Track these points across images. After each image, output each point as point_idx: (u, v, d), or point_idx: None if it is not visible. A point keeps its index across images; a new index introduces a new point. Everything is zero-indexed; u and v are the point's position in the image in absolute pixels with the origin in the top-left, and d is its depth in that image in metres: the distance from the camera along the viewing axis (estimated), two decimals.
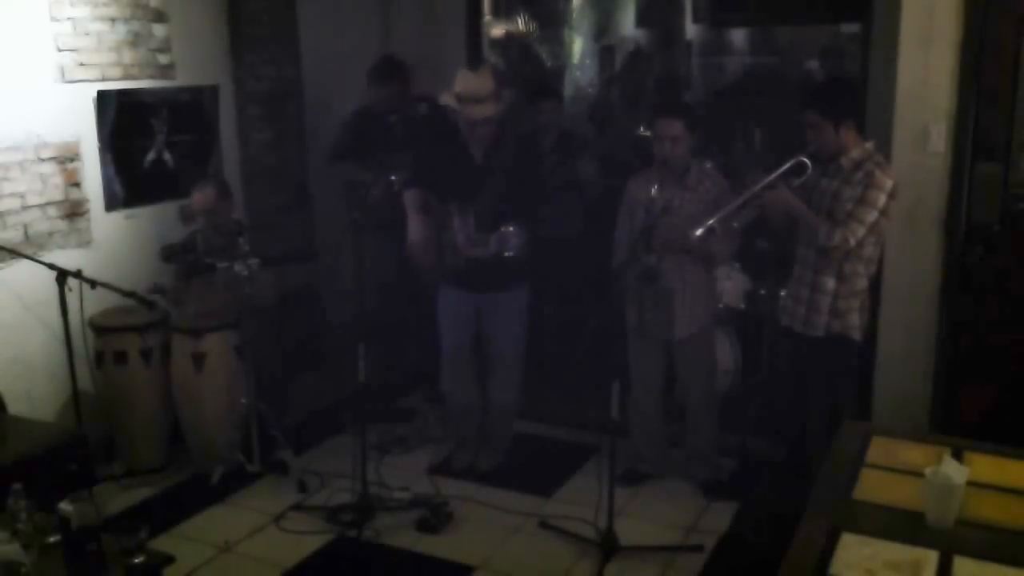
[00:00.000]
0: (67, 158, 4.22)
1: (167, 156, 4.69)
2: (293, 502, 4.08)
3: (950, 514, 2.26)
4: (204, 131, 4.89)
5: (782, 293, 3.97)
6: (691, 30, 8.00)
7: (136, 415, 4.29)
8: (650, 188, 3.76)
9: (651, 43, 7.93)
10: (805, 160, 3.52)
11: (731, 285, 4.78)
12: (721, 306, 4.59)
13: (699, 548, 3.69)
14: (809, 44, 7.02)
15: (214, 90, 4.90)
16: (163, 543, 3.50)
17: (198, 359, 4.22)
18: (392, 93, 4.76)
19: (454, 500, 4.05)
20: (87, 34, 4.23)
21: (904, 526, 2.27)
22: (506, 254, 3.98)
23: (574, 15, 7.93)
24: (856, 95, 4.09)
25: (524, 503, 4.08)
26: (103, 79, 4.33)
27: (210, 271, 4.11)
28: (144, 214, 4.60)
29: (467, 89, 3.94)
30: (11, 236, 4.00)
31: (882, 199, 3.41)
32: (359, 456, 3.92)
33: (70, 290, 3.88)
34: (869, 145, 3.54)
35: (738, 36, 8.00)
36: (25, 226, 4.06)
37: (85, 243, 4.33)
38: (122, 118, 4.43)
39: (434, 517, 3.89)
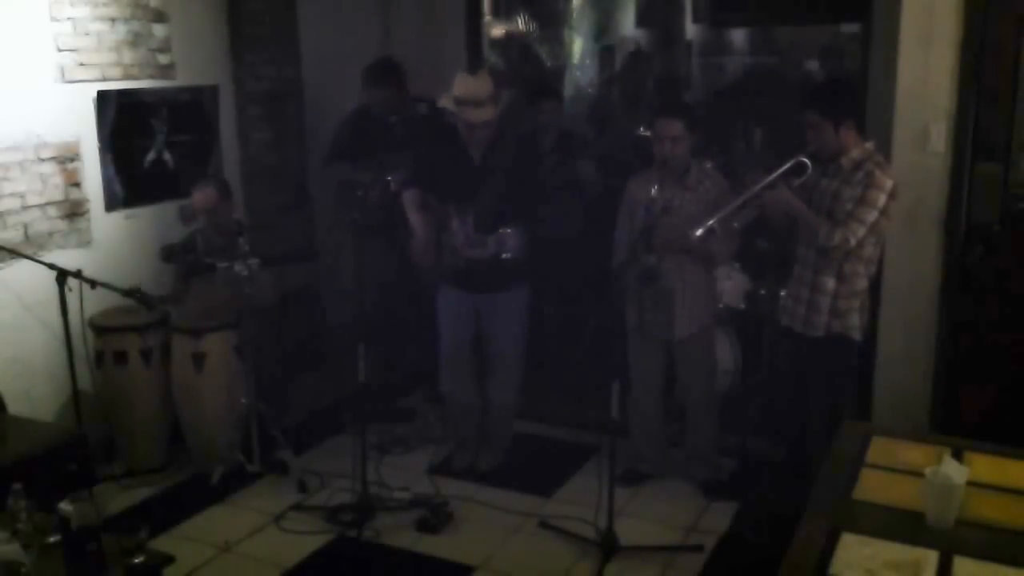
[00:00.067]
0: (67, 158, 4.22)
1: (167, 156, 4.69)
2: (293, 502, 4.08)
3: (950, 514, 2.26)
4: (204, 131, 4.89)
5: (782, 293, 3.97)
6: (691, 30, 8.00)
7: (136, 415, 4.29)
8: (650, 188, 3.76)
9: (651, 43, 7.93)
10: (805, 160, 3.52)
11: (731, 285, 4.78)
12: (721, 306, 4.59)
13: (699, 548, 3.69)
14: (809, 44, 7.02)
15: (214, 90, 4.90)
16: (163, 543, 3.50)
17: (198, 359, 4.22)
18: (388, 95, 4.75)
19: (454, 500, 4.05)
20: (87, 34, 4.24)
21: (904, 526, 2.27)
22: (504, 256, 3.98)
23: (574, 15, 7.93)
24: (856, 95, 4.09)
25: (524, 503, 4.08)
26: (103, 79, 4.33)
27: (210, 271, 4.11)
28: (144, 214, 4.60)
29: (466, 92, 3.94)
30: (11, 236, 4.00)
31: (882, 199, 3.41)
32: (359, 456, 3.92)
33: (70, 290, 3.88)
34: (869, 145, 3.53)
35: (738, 36, 8.01)
36: (25, 226, 4.06)
37: (85, 243, 4.33)
38: (122, 118, 4.43)
39: (434, 517, 3.89)
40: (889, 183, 3.42)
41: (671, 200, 3.83)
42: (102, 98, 4.33)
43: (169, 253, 4.43)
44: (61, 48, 4.14)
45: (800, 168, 3.53)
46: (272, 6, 5.12)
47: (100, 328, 4.23)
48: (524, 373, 4.36)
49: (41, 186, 4.12)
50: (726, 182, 3.96)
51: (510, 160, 4.02)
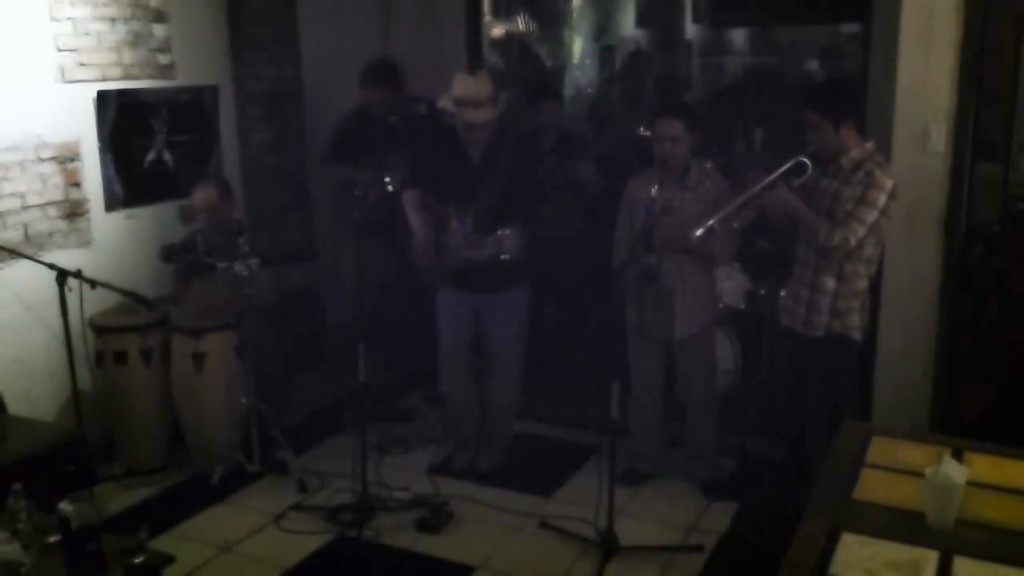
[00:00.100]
0: (67, 158, 4.22)
1: (167, 156, 4.69)
2: (293, 502, 4.08)
3: (950, 514, 2.26)
4: (204, 131, 4.89)
5: (782, 293, 3.96)
6: (691, 30, 8.01)
7: (136, 415, 4.29)
8: (650, 188, 3.76)
9: (651, 43, 7.94)
10: (805, 160, 3.52)
11: (731, 285, 4.78)
12: (721, 306, 4.59)
13: (699, 548, 3.69)
14: (809, 44, 7.03)
15: (214, 90, 4.90)
16: (163, 543, 3.50)
17: (198, 359, 4.22)
18: (385, 95, 4.75)
19: (454, 500, 4.05)
20: (87, 34, 4.23)
21: (904, 526, 2.27)
22: (503, 257, 3.98)
23: (574, 15, 7.94)
24: (856, 95, 4.09)
25: (524, 503, 4.08)
26: (103, 79, 4.33)
27: (210, 271, 4.11)
28: (144, 214, 4.60)
29: (465, 93, 3.93)
30: (11, 236, 4.00)
31: (882, 199, 3.41)
32: (359, 456, 3.92)
33: (70, 290, 3.88)
34: (869, 145, 3.54)
35: (738, 36, 8.02)
36: (25, 226, 4.06)
37: (85, 243, 4.33)
38: (122, 118, 4.43)
39: (434, 517, 3.89)
40: (889, 183, 3.42)
41: (671, 200, 3.83)
42: (102, 98, 4.33)
43: (169, 253, 4.43)
44: (61, 48, 4.14)
45: (800, 168, 3.53)
46: (272, 6, 5.12)
47: (100, 328, 4.23)
48: (524, 373, 4.36)
49: (41, 186, 4.12)
50: (726, 182, 3.96)
51: (509, 161, 4.02)
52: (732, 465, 4.27)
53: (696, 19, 7.89)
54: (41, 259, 3.95)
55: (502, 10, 7.16)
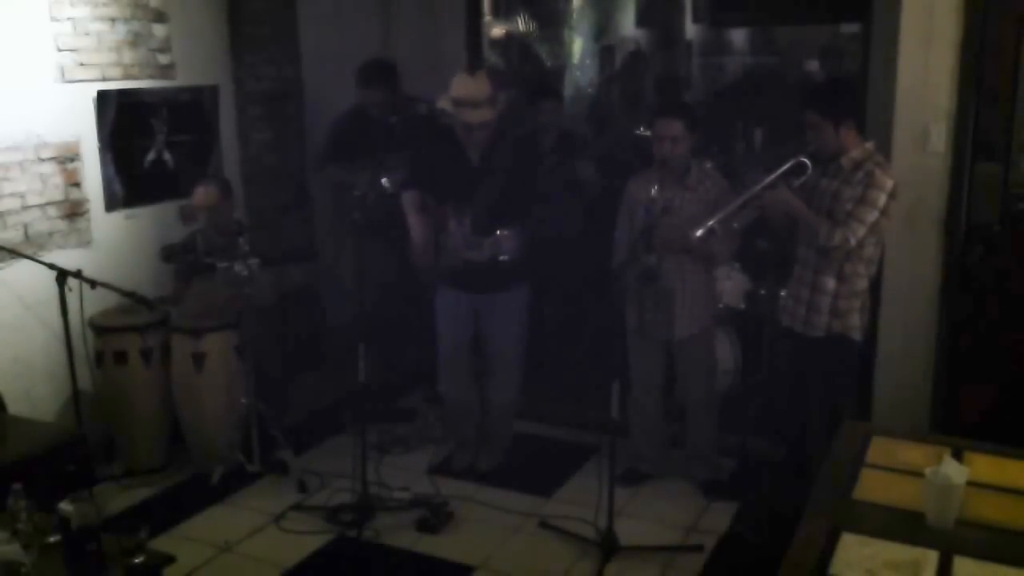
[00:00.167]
0: (67, 158, 4.22)
1: (167, 156, 4.69)
2: (293, 502, 4.08)
3: (950, 514, 2.26)
4: (204, 131, 4.89)
5: (782, 293, 3.97)
6: (691, 30, 8.01)
7: (136, 415, 4.29)
8: (650, 188, 3.76)
9: (651, 43, 7.94)
10: (805, 160, 3.52)
11: (731, 285, 4.78)
12: (721, 306, 4.59)
13: (699, 548, 3.69)
14: (809, 44, 7.03)
15: (214, 90, 4.90)
16: (163, 543, 3.50)
17: (198, 359, 4.22)
18: (382, 95, 4.75)
19: (454, 500, 4.05)
20: (87, 34, 4.23)
21: (904, 526, 2.27)
22: (501, 258, 3.98)
23: (574, 15, 7.94)
24: (856, 95, 4.09)
25: (524, 503, 4.08)
26: (103, 79, 4.33)
27: (210, 271, 4.11)
28: (144, 214, 4.60)
29: (464, 93, 3.93)
30: (11, 236, 4.00)
31: (882, 199, 3.41)
32: (359, 456, 3.92)
33: (70, 290, 3.88)
34: (869, 145, 3.53)
35: (738, 36, 8.03)
36: (25, 226, 4.06)
37: (85, 243, 4.33)
38: (122, 118, 4.43)
39: (434, 517, 3.89)
40: (889, 183, 3.42)
41: (671, 200, 3.83)
42: (102, 98, 4.33)
43: (169, 253, 4.43)
44: (61, 48, 4.14)
45: (800, 168, 3.52)
46: (272, 6, 5.12)
47: (100, 328, 4.23)
48: (524, 373, 4.36)
49: (41, 186, 4.12)
50: (726, 182, 3.96)
51: (508, 161, 4.01)
52: (732, 465, 4.27)
53: (696, 19, 7.90)
54: (41, 259, 3.95)
55: (502, 10, 7.16)
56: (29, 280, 4.02)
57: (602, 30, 8.02)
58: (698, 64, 8.02)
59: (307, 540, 3.79)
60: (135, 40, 4.45)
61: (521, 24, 7.36)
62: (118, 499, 4.10)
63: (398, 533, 3.83)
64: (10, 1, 3.93)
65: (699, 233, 3.53)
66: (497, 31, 7.03)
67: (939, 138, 3.89)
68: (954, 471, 2.27)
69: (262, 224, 5.00)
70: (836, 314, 3.56)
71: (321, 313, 5.41)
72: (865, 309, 3.62)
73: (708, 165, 4.07)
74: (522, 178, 4.05)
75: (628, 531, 3.69)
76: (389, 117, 4.78)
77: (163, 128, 4.64)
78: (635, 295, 3.96)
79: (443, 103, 4.06)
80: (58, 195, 4.19)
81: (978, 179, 3.95)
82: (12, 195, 4.00)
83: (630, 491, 4.13)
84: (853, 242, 3.42)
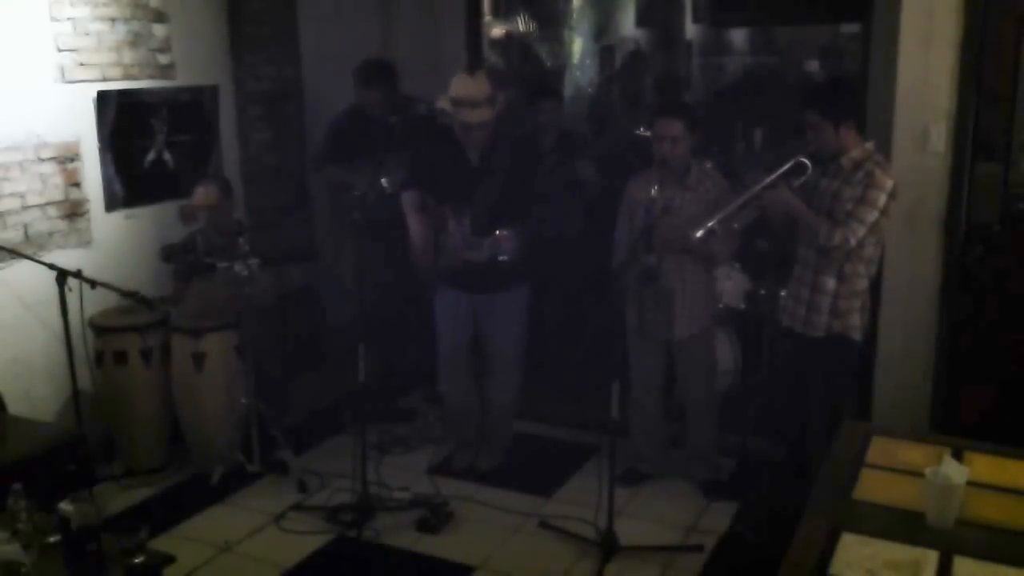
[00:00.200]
0: (67, 158, 4.22)
1: (167, 156, 4.69)
2: (293, 502, 4.08)
3: (950, 514, 2.26)
4: (204, 131, 4.89)
5: (782, 293, 3.97)
6: (691, 30, 8.01)
7: (136, 415, 4.29)
8: (650, 188, 3.76)
9: (651, 43, 7.94)
10: (805, 160, 3.52)
11: (731, 285, 4.78)
12: (721, 306, 4.59)
13: (699, 548, 3.69)
14: (809, 44, 7.03)
15: (214, 90, 4.90)
16: (163, 543, 3.50)
17: (198, 359, 4.22)
18: (380, 95, 4.74)
19: (454, 500, 4.05)
20: (87, 34, 4.23)
21: (904, 526, 2.27)
22: (500, 258, 3.98)
23: (574, 15, 7.94)
24: (856, 95, 4.09)
25: (524, 503, 4.08)
26: (103, 79, 4.33)
27: (210, 271, 4.11)
28: (144, 214, 4.60)
29: (463, 93, 3.93)
30: (11, 236, 4.00)
31: (882, 199, 3.40)
32: (359, 456, 3.92)
33: (70, 290, 3.88)
34: (869, 145, 3.53)
35: (738, 36, 8.03)
36: (25, 226, 4.06)
37: (85, 243, 4.33)
38: (122, 118, 4.43)
39: (434, 517, 3.89)
40: (889, 183, 3.42)
41: (671, 200, 3.83)
42: (102, 98, 4.33)
43: (169, 253, 4.43)
44: (61, 48, 4.14)
45: (800, 168, 3.52)
46: (272, 6, 5.12)
47: (100, 328, 4.23)
48: (524, 373, 4.36)
49: (41, 186, 4.12)
50: (726, 182, 3.96)
51: (508, 162, 4.01)
52: (732, 465, 4.26)
53: (696, 19, 7.90)
54: (41, 259, 3.95)
55: (502, 10, 7.16)
56: (29, 280, 4.02)
57: (602, 30, 8.02)
58: (698, 64, 8.02)
59: (307, 540, 3.79)
60: (135, 40, 4.45)
61: (521, 24, 7.36)
62: (118, 499, 4.10)
63: (398, 533, 3.83)
64: (10, 1, 3.93)
65: (699, 233, 3.53)
66: (497, 31, 7.03)
67: (939, 138, 3.90)
68: (954, 471, 2.27)
69: (262, 224, 5.00)
70: (836, 314, 3.56)
71: (321, 313, 5.41)
72: (865, 309, 3.62)
73: (708, 165, 4.07)
74: (522, 178, 4.05)
75: (628, 531, 3.69)
76: (388, 117, 4.78)
77: (163, 128, 4.64)
78: (635, 295, 3.96)
79: (442, 103, 4.06)
80: (58, 195, 4.19)
81: (978, 179, 3.95)
82: (12, 195, 4.00)
83: (630, 491, 4.13)
84: (853, 242, 3.42)
